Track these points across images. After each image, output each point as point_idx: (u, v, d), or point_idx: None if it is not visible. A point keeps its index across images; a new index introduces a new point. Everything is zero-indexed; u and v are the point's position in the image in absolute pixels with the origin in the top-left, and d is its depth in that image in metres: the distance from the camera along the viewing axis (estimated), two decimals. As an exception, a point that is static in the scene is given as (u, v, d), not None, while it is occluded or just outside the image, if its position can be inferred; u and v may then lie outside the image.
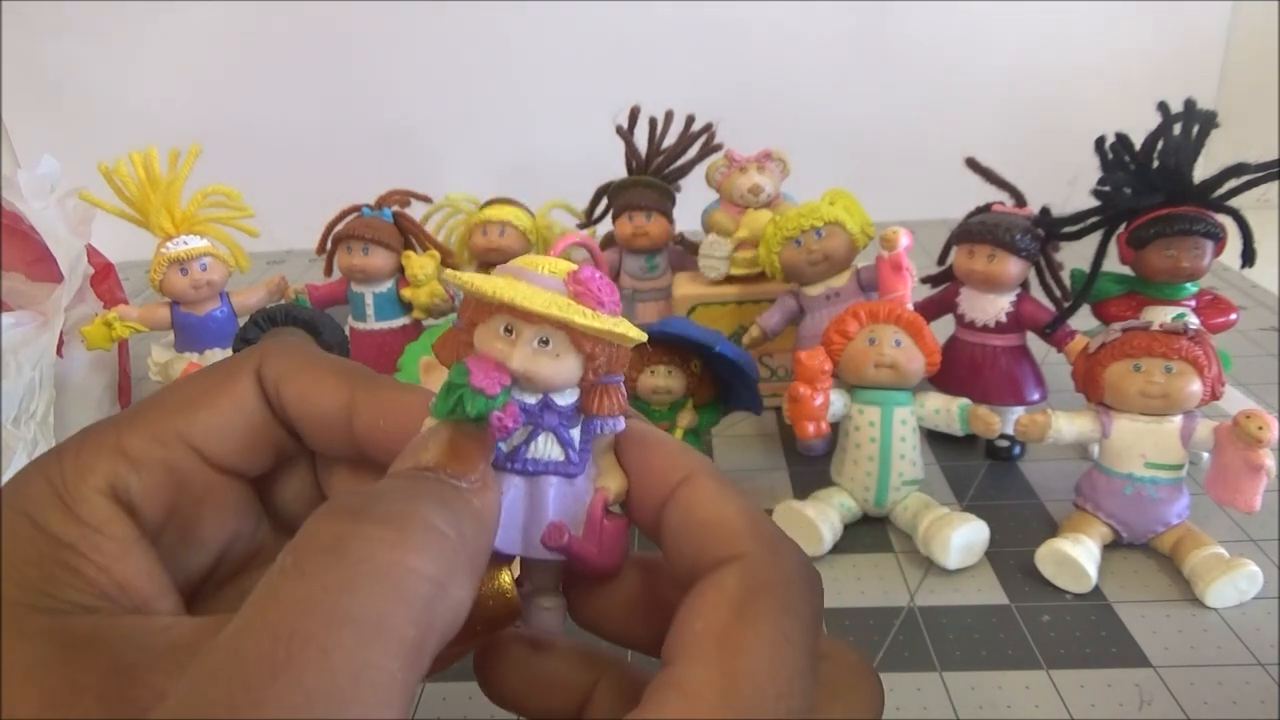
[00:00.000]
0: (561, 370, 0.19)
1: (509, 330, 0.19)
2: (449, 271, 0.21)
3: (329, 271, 0.66)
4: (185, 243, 0.58)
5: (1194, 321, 0.50)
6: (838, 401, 0.49)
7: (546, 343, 0.19)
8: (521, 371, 0.19)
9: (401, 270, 0.63)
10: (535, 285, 0.19)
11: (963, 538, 0.45)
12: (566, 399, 0.20)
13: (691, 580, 0.18)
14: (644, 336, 0.20)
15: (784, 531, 0.19)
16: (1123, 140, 0.49)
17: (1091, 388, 0.46)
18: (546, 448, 0.20)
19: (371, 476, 0.22)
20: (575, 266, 0.20)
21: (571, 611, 0.22)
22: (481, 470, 0.18)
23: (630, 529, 0.21)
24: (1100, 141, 0.50)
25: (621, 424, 0.20)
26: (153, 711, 0.16)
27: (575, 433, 0.20)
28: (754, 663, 0.16)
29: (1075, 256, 0.54)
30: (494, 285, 0.19)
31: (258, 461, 0.22)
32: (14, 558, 0.18)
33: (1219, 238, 0.48)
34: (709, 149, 0.64)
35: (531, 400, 0.19)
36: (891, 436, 0.48)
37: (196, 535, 0.21)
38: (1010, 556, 0.47)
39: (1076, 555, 0.44)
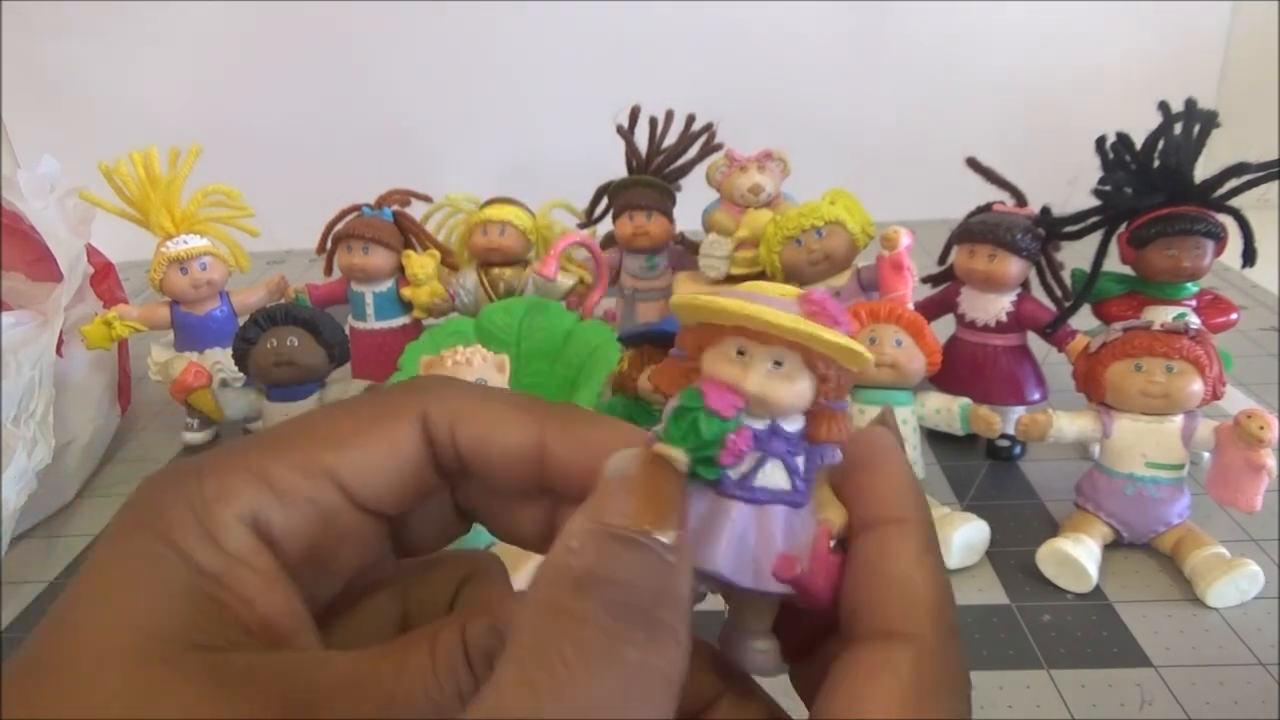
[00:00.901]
0: (795, 392, 0.19)
1: (742, 353, 0.19)
2: (676, 297, 0.20)
3: (329, 271, 0.66)
4: (185, 242, 0.58)
5: (1195, 321, 0.50)
6: (838, 401, 0.48)
7: (780, 364, 0.19)
8: (757, 394, 0.18)
9: (401, 270, 0.63)
10: (770, 306, 0.19)
11: (963, 537, 0.45)
12: (794, 425, 0.19)
13: (849, 624, 0.18)
14: (872, 358, 0.20)
15: (958, 614, 0.18)
16: (1123, 140, 0.49)
17: (1092, 387, 0.46)
18: (774, 475, 0.19)
19: (540, 513, 0.21)
20: (800, 290, 0.19)
21: (786, 654, 0.21)
22: (681, 523, 0.17)
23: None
24: (1100, 141, 0.50)
25: (840, 455, 0.20)
26: None
27: (800, 461, 0.20)
28: None
29: (1076, 256, 0.54)
30: (735, 305, 0.18)
31: (403, 503, 0.21)
32: (161, 588, 0.17)
33: (1220, 237, 0.48)
34: (709, 149, 0.64)
35: (760, 426, 0.19)
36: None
37: (331, 569, 0.20)
38: (1011, 556, 0.47)
39: (1077, 555, 0.44)
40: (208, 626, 0.17)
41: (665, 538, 0.16)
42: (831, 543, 0.20)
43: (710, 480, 0.19)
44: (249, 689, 0.16)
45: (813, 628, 0.20)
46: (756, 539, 0.19)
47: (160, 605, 0.17)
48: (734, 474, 0.19)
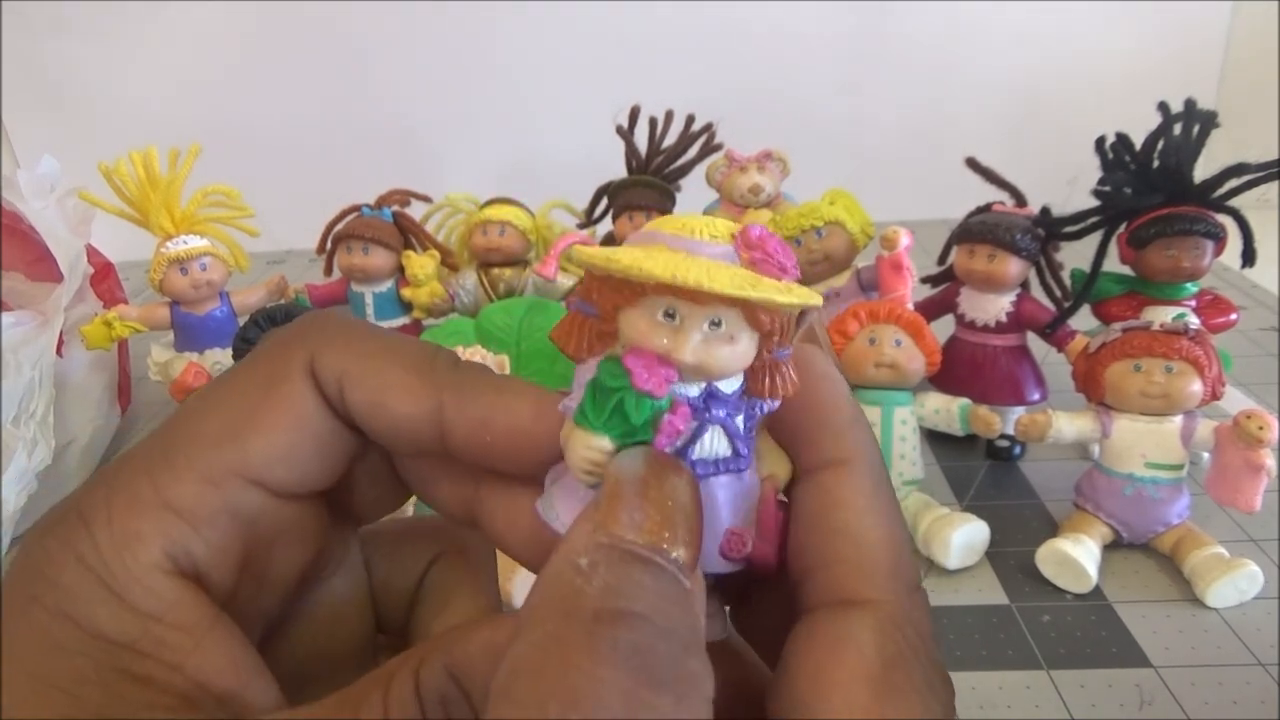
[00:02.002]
0: (738, 356, 0.16)
1: (670, 315, 0.15)
2: (578, 248, 0.16)
3: (329, 271, 0.66)
4: (185, 242, 0.58)
5: (1194, 321, 0.50)
6: (838, 401, 0.48)
7: (718, 324, 0.15)
8: (694, 364, 0.15)
9: (401, 270, 0.63)
10: (700, 256, 0.16)
11: (963, 538, 0.45)
12: (732, 385, 0.16)
13: (801, 588, 0.16)
14: (818, 299, 0.16)
15: (916, 567, 0.17)
16: (1123, 140, 0.49)
17: (1092, 388, 0.46)
18: (714, 445, 0.16)
19: (465, 491, 0.19)
20: (735, 225, 0.16)
21: (734, 620, 0.19)
22: (696, 539, 0.15)
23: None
24: (1100, 141, 0.50)
25: (779, 402, 0.17)
26: None
27: (740, 420, 0.17)
28: None
29: (1075, 256, 0.54)
30: (657, 263, 0.15)
31: (329, 475, 0.18)
32: (64, 678, 0.14)
33: (1219, 238, 0.48)
34: (709, 149, 0.64)
35: (695, 392, 0.16)
36: (892, 436, 0.48)
37: (271, 579, 0.18)
38: (1010, 556, 0.47)
39: (1077, 555, 0.44)
40: (129, 711, 0.15)
41: (680, 555, 0.14)
42: (779, 498, 0.17)
43: None
44: None
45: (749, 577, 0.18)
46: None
47: (65, 701, 0.14)
48: (668, 449, 0.16)
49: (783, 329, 0.16)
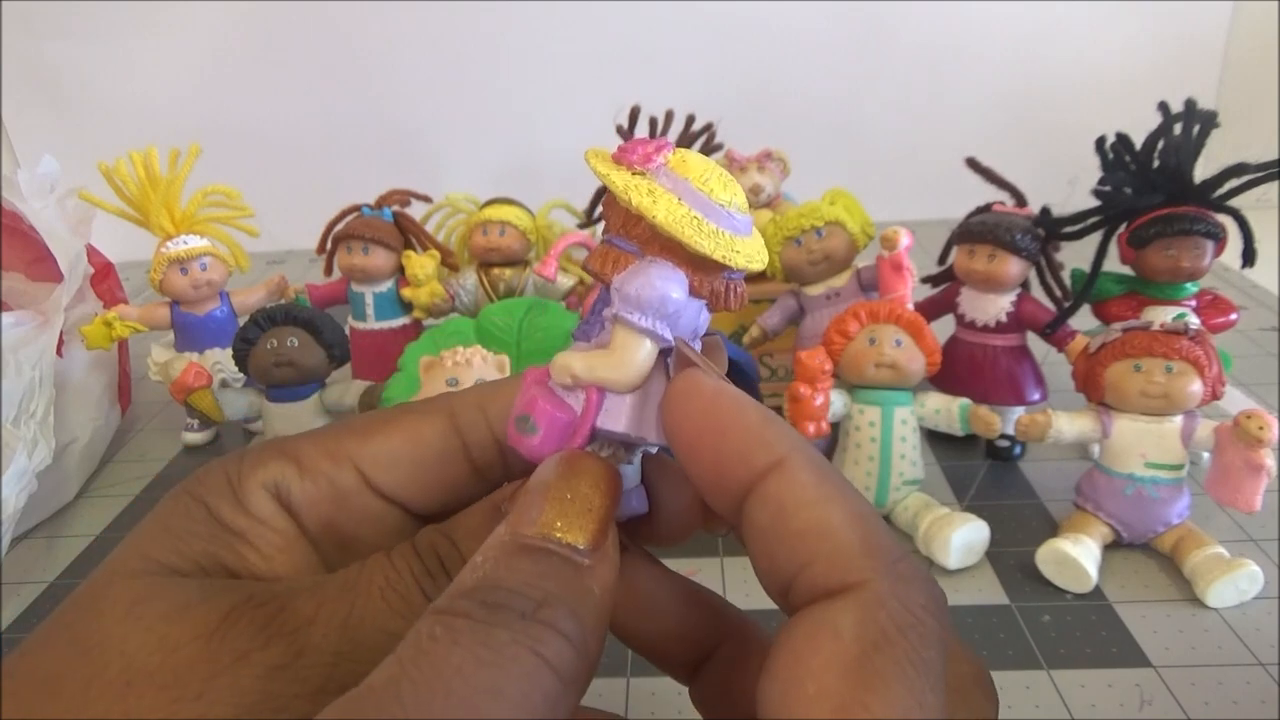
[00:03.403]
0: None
1: None
2: (590, 150, 0.20)
3: (329, 271, 0.66)
4: (185, 242, 0.58)
5: (1194, 321, 0.50)
6: (838, 401, 0.49)
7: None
8: None
9: (401, 270, 0.63)
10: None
11: (963, 538, 0.45)
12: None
13: (787, 596, 0.16)
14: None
15: (899, 541, 0.16)
16: (1123, 140, 0.49)
17: (1092, 388, 0.46)
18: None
19: None
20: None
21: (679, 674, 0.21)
22: (600, 527, 0.17)
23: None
24: (1100, 141, 0.50)
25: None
26: (300, 633, 0.17)
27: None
28: None
29: (1075, 256, 0.54)
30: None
31: (425, 498, 0.21)
32: (182, 533, 0.19)
33: (1219, 238, 0.48)
34: (709, 149, 0.64)
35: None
36: (892, 436, 0.48)
37: (352, 553, 0.21)
38: (1010, 556, 0.47)
39: (1077, 555, 0.44)
40: (219, 571, 0.19)
41: (578, 542, 0.17)
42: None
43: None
44: (229, 592, 0.18)
45: (698, 642, 0.21)
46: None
47: (176, 545, 0.19)
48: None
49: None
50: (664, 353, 0.19)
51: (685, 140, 0.64)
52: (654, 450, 0.20)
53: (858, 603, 0.15)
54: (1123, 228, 0.50)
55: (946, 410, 0.49)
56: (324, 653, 0.17)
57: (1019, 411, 0.51)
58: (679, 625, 0.21)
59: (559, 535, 0.17)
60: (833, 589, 0.15)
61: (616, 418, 0.18)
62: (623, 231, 0.19)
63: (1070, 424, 0.46)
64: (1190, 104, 0.48)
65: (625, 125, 0.65)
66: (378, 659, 0.16)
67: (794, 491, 0.16)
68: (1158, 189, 0.49)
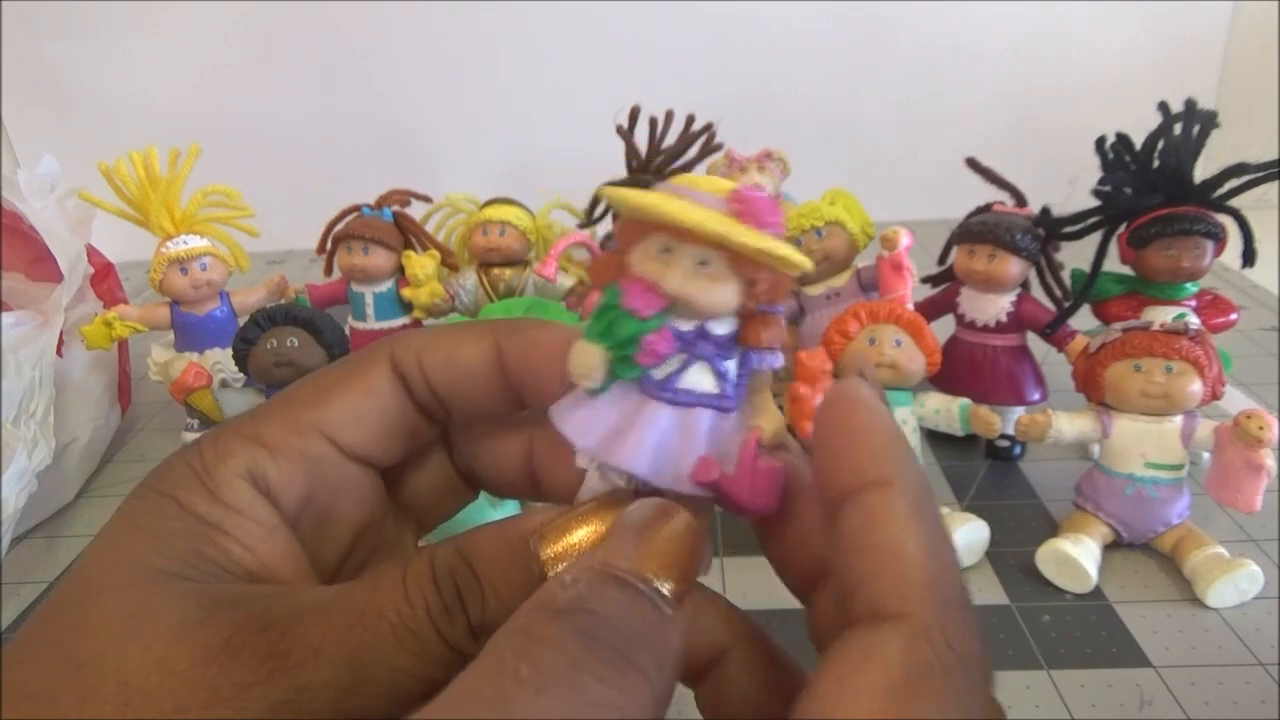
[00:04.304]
0: (719, 294, 0.18)
1: (665, 250, 0.18)
2: (607, 189, 0.20)
3: (329, 271, 0.66)
4: (185, 242, 0.58)
5: (1194, 321, 0.50)
6: (838, 401, 0.48)
7: (705, 264, 0.18)
8: (678, 293, 0.18)
9: (401, 270, 0.63)
10: (695, 202, 0.18)
11: (963, 538, 0.45)
12: (723, 327, 0.19)
13: (844, 610, 0.17)
14: (808, 264, 0.18)
15: (966, 586, 0.16)
16: (1123, 140, 0.49)
17: (1092, 388, 0.46)
18: (700, 378, 0.18)
19: (517, 447, 0.23)
20: (736, 185, 0.18)
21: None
22: (687, 579, 0.17)
23: (783, 475, 0.19)
24: (1100, 141, 0.50)
25: (780, 360, 0.19)
26: (305, 666, 0.17)
27: (731, 365, 0.19)
28: None
29: (1075, 256, 0.54)
30: (650, 199, 0.18)
31: (391, 450, 0.22)
32: (160, 532, 0.18)
33: (1219, 238, 0.48)
34: (709, 149, 0.64)
35: (687, 328, 0.18)
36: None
37: (331, 525, 0.21)
38: (1010, 556, 0.47)
39: (1077, 555, 0.44)
40: (206, 567, 0.18)
41: (664, 588, 0.16)
42: (766, 450, 0.19)
43: (634, 379, 0.18)
44: (231, 609, 0.17)
45: (708, 646, 0.20)
46: (679, 441, 0.18)
47: (157, 545, 0.18)
48: (657, 374, 0.18)
49: (771, 283, 0.18)
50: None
51: (685, 140, 0.64)
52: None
53: (908, 632, 0.15)
54: (1123, 228, 0.50)
55: (946, 410, 0.49)
56: (329, 688, 0.17)
57: (1019, 411, 0.51)
58: (690, 630, 0.20)
59: (651, 578, 0.16)
60: (888, 611, 0.16)
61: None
62: (770, 297, 0.19)
63: (1070, 424, 0.46)
64: (1190, 104, 0.48)
65: (625, 126, 0.65)
66: (384, 695, 0.16)
67: (886, 512, 0.16)
68: (1158, 189, 0.48)
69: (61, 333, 0.55)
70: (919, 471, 0.17)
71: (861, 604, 0.16)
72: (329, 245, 0.64)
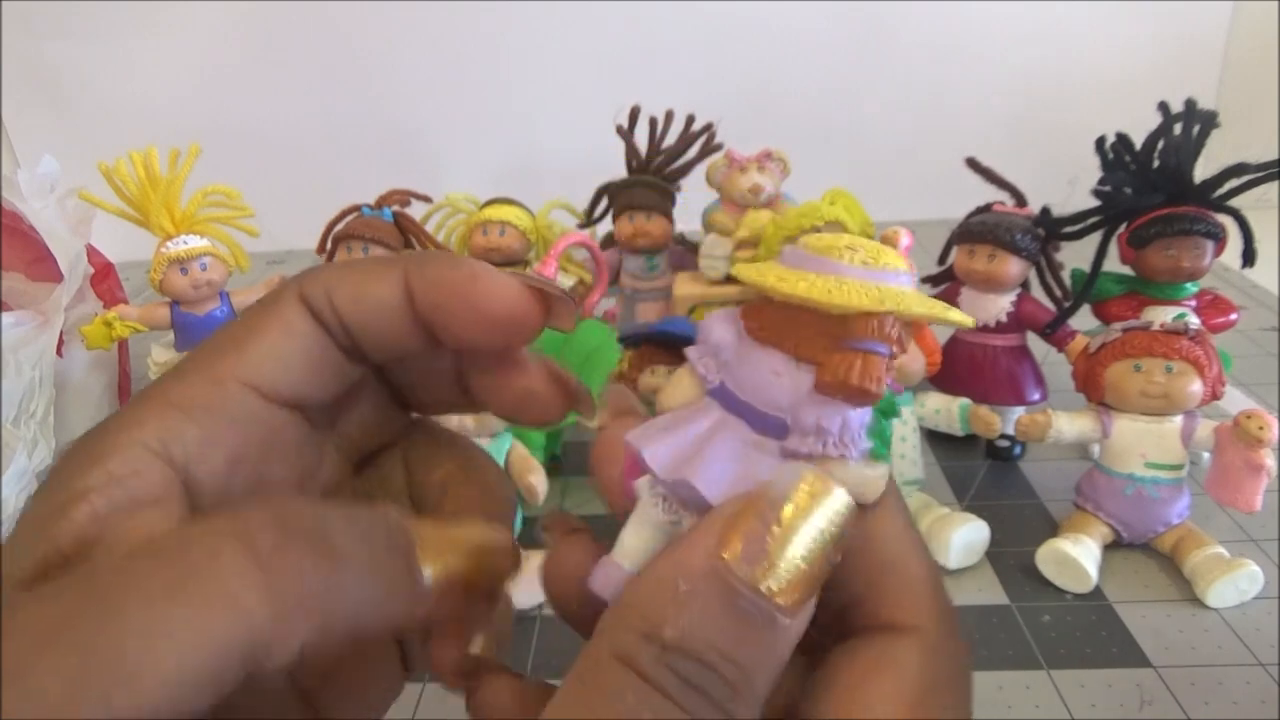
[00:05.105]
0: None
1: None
2: (742, 269, 0.18)
3: (329, 271, 0.66)
4: (185, 242, 0.58)
5: (1194, 321, 0.50)
6: (838, 401, 0.48)
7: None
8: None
9: (401, 270, 0.63)
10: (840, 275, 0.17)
11: (963, 538, 0.45)
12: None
13: (845, 615, 0.17)
14: (969, 321, 0.18)
15: (953, 604, 0.17)
16: (1123, 140, 0.49)
17: (1092, 388, 0.46)
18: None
19: (445, 386, 0.22)
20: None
21: None
22: (811, 598, 0.15)
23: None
24: (1100, 141, 0.50)
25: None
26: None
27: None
28: None
29: (1075, 256, 0.54)
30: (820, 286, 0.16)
31: (318, 389, 0.20)
32: (23, 521, 0.17)
33: (1219, 238, 0.48)
34: (709, 149, 0.64)
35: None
36: (892, 437, 0.48)
37: (266, 481, 0.20)
38: (1010, 556, 0.47)
39: (1077, 555, 0.44)
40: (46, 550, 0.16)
41: (786, 602, 0.14)
42: None
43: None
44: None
45: None
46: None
47: (14, 542, 0.16)
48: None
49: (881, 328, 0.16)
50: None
51: (685, 140, 0.64)
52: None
53: (922, 646, 0.16)
54: (1123, 228, 0.50)
55: (946, 410, 0.49)
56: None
57: (1019, 411, 0.51)
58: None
59: (773, 590, 0.14)
60: (898, 624, 0.16)
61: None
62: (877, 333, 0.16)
63: (1070, 424, 0.46)
64: (1190, 104, 0.48)
65: (625, 126, 0.65)
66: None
67: (885, 529, 0.17)
68: (1158, 189, 0.48)
69: (61, 333, 0.55)
70: (897, 490, 0.18)
71: (869, 614, 0.17)
72: (329, 245, 0.64)
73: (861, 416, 0.16)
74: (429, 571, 0.17)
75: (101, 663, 0.14)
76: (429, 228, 0.67)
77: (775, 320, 0.17)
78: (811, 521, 0.15)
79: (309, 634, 0.14)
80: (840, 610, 0.17)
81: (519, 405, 0.21)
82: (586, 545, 0.19)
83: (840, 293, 0.16)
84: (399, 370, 0.22)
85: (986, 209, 0.55)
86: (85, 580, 0.14)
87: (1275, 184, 0.47)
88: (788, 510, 0.15)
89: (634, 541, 0.17)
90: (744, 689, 0.14)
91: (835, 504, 0.15)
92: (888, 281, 0.16)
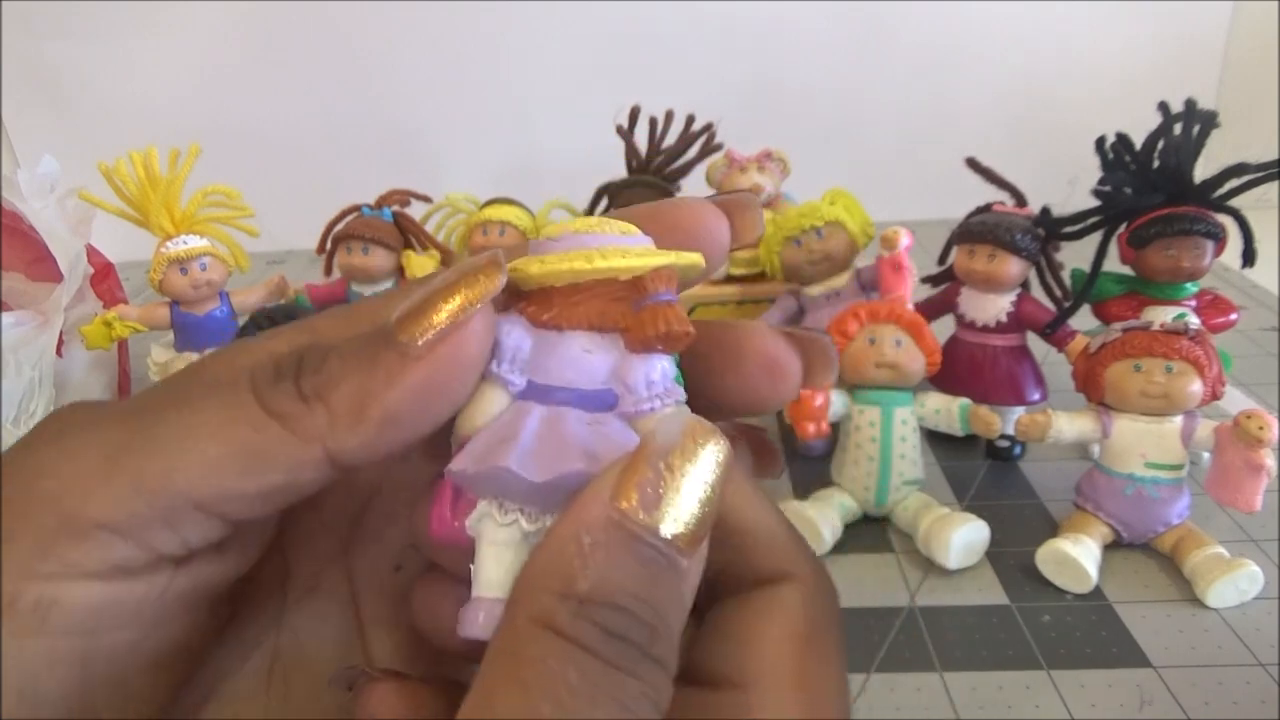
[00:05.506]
0: None
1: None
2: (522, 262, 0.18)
3: (329, 271, 0.66)
4: (185, 242, 0.58)
5: (1194, 321, 0.50)
6: (838, 402, 0.49)
7: None
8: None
9: (401, 270, 0.63)
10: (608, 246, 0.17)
11: (963, 538, 0.45)
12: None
13: (712, 584, 0.17)
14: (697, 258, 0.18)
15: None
16: (1123, 140, 0.49)
17: (1092, 388, 0.46)
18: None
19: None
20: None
21: None
22: (707, 535, 0.15)
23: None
24: (1100, 141, 0.50)
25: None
26: None
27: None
28: (830, 705, 0.16)
29: (1075, 256, 0.54)
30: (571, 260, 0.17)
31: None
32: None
33: (1219, 238, 0.48)
34: (709, 149, 0.64)
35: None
36: (892, 436, 0.48)
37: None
38: (1011, 556, 0.47)
39: (1077, 555, 0.44)
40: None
41: (682, 542, 0.15)
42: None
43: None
44: None
45: None
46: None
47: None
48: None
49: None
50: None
51: (685, 140, 0.64)
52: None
53: (803, 591, 0.17)
54: (1123, 228, 0.50)
55: (946, 410, 0.49)
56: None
57: (1019, 411, 0.51)
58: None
59: (670, 530, 0.15)
60: (775, 576, 0.17)
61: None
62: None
63: (1070, 424, 0.46)
64: (1190, 104, 0.48)
65: (625, 126, 0.65)
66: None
67: (738, 493, 0.17)
68: (1158, 189, 0.48)
69: (61, 333, 0.55)
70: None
71: (738, 578, 0.17)
72: (329, 245, 0.64)
73: (670, 365, 0.17)
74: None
75: (139, 441, 0.15)
76: (429, 228, 0.67)
77: (565, 305, 0.17)
78: (699, 464, 0.15)
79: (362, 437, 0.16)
80: (713, 577, 0.17)
81: (757, 382, 0.19)
82: (446, 591, 0.19)
83: (629, 258, 0.17)
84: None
85: (986, 209, 0.55)
86: (129, 401, 0.16)
87: (1275, 184, 0.47)
88: (675, 457, 0.15)
89: (495, 569, 0.17)
90: (661, 629, 0.15)
91: (718, 446, 0.15)
92: (637, 243, 0.18)
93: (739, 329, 0.19)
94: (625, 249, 0.17)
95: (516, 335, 0.17)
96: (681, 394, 0.18)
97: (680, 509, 0.15)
